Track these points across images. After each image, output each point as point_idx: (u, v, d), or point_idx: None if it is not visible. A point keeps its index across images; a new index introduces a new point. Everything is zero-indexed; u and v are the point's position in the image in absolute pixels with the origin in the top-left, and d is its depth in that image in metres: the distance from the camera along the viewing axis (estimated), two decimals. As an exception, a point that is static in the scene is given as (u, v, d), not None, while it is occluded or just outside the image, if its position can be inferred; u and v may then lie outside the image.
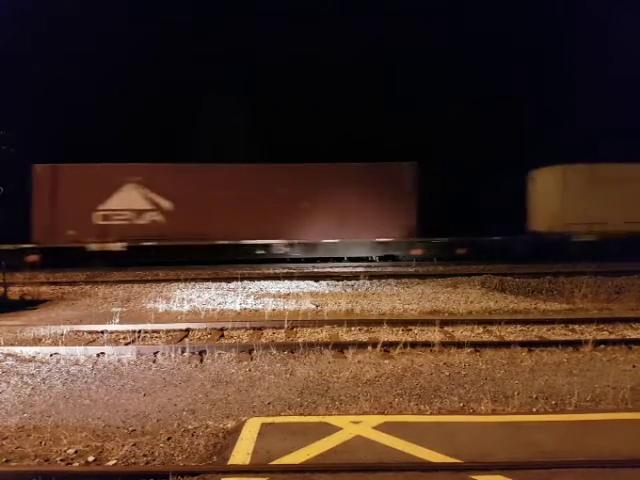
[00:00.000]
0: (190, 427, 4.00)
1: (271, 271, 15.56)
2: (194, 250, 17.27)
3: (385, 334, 7.11)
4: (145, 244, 17.12)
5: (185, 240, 17.17)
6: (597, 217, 17.91)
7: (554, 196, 18.51)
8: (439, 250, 18.31)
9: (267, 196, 17.67)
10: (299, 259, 18.01)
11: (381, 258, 18.41)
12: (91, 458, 3.48)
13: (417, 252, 18.18)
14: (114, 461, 3.43)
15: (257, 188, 17.70)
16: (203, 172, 17.79)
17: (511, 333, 7.21)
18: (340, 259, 18.29)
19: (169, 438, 3.80)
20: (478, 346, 6.29)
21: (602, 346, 6.34)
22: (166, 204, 17.53)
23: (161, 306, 9.53)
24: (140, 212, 17.45)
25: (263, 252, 17.72)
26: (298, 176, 18.06)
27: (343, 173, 18.13)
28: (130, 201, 17.37)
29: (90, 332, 7.37)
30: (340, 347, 6.25)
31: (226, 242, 17.36)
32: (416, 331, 7.33)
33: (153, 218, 17.46)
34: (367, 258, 18.42)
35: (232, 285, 12.55)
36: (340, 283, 12.78)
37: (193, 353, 6.12)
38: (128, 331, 7.30)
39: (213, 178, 17.75)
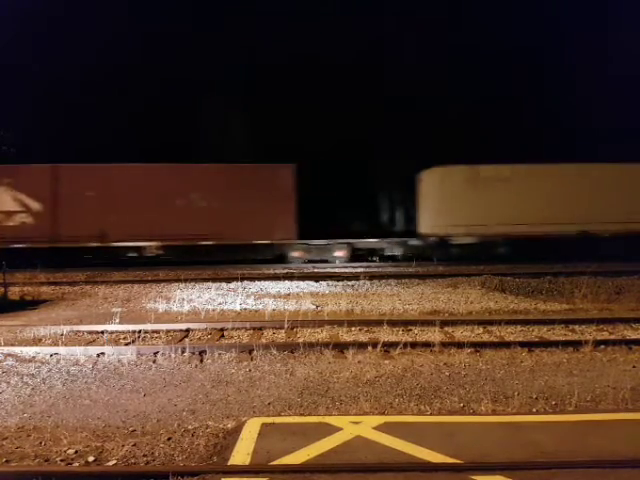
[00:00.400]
0: (190, 427, 4.01)
1: (271, 271, 15.57)
2: (65, 252, 16.94)
3: (385, 334, 7.11)
4: (14, 246, 16.78)
5: (56, 242, 16.85)
6: (477, 219, 17.67)
7: (435, 198, 18.26)
8: (319, 252, 18.08)
9: (139, 197, 17.24)
10: (175, 263, 17.16)
11: (263, 261, 17.94)
12: (91, 458, 3.49)
13: (297, 254, 17.99)
14: (114, 461, 3.44)
15: (126, 189, 17.27)
16: (71, 173, 17.41)
17: (511, 333, 7.21)
18: (221, 262, 17.44)
19: (169, 438, 3.80)
20: (478, 346, 6.29)
21: (602, 346, 6.34)
22: (36, 206, 17.23)
23: (161, 306, 9.53)
24: (10, 214, 17.18)
25: (135, 254, 17.35)
26: (170, 177, 17.67)
27: (218, 174, 17.80)
28: (0, 203, 17.18)
29: (90, 332, 7.37)
30: (340, 347, 6.25)
31: (97, 244, 17.05)
32: (416, 331, 7.33)
33: (23, 220, 17.19)
34: (264, 260, 17.92)
35: (232, 285, 12.56)
36: (340, 283, 12.78)
37: (193, 353, 6.12)
38: (128, 331, 7.30)
39: (81, 179, 17.37)
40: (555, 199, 17.69)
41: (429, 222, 18.40)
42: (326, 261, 17.97)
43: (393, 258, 18.42)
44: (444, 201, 17.99)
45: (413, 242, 18.56)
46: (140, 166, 17.88)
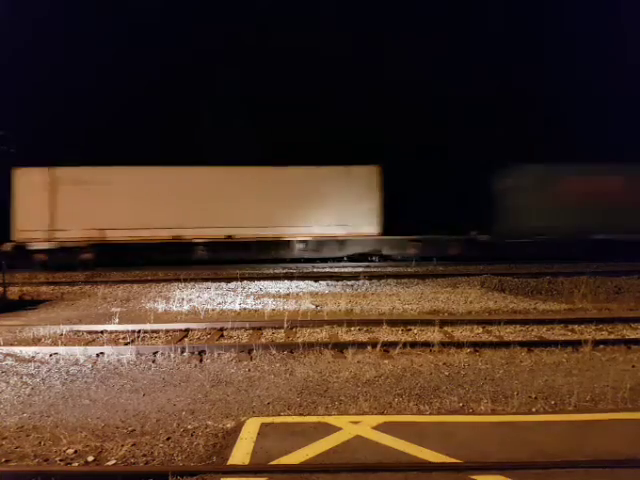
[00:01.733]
0: (189, 427, 4.00)
1: (271, 271, 15.57)
2: None
3: (385, 334, 7.11)
4: None
5: None
6: (57, 224, 16.92)
7: (16, 199, 16.97)
8: None
9: None
10: None
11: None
12: (90, 458, 3.48)
13: None
14: (113, 461, 3.43)
15: None
16: None
17: (510, 333, 7.21)
18: None
19: (168, 438, 3.79)
20: (477, 346, 6.30)
21: (601, 346, 6.34)
22: None
23: (161, 306, 9.53)
24: None
25: None
26: None
27: None
28: None
29: (89, 332, 7.36)
30: (340, 347, 6.25)
31: None
32: (416, 331, 7.33)
33: None
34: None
35: (232, 285, 12.55)
36: (339, 283, 12.77)
37: (192, 353, 6.12)
38: (127, 331, 7.29)
39: None
40: (145, 203, 17.19)
41: (14, 226, 17.13)
42: None
43: None
44: (23, 203, 16.94)
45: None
46: None
